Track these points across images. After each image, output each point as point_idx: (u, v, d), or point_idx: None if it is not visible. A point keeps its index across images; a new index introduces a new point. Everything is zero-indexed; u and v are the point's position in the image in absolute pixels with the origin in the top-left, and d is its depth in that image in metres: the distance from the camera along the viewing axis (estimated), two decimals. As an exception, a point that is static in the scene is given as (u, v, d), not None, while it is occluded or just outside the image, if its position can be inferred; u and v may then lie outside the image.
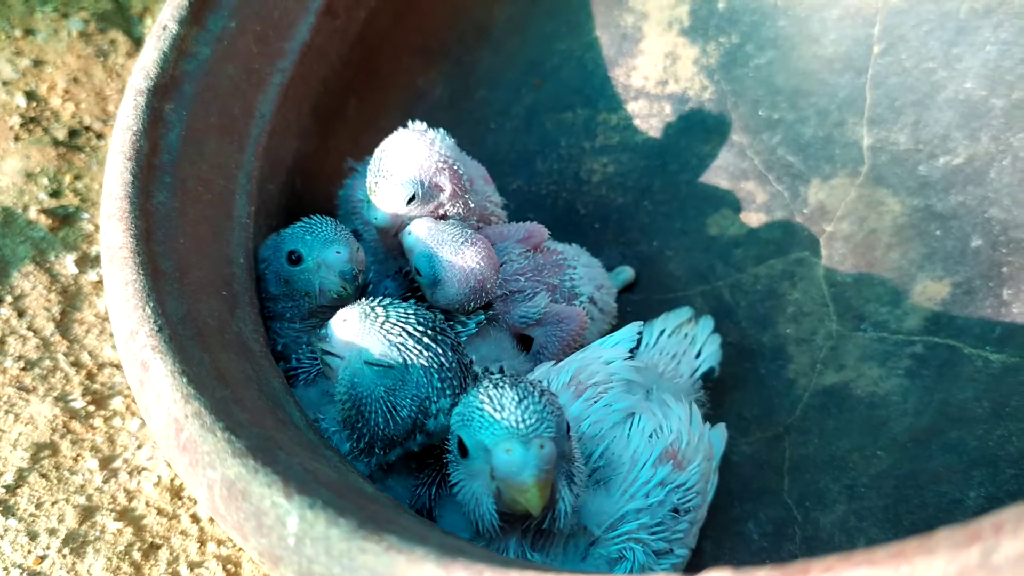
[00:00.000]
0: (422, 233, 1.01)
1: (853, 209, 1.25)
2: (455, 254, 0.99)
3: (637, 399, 0.97)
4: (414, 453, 0.90)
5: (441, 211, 1.06)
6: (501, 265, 1.08)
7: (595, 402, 0.94)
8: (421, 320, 0.86)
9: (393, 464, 0.91)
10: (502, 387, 0.78)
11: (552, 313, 1.08)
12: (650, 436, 0.92)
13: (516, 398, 0.77)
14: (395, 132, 1.06)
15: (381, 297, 0.90)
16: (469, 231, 1.01)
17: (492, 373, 1.00)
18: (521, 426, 0.75)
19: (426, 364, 0.85)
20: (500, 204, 1.19)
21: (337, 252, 0.99)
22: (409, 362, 0.84)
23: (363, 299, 0.90)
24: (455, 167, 1.04)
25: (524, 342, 1.12)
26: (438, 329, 0.87)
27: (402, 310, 0.87)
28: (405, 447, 0.88)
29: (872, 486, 1.03)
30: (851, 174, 1.27)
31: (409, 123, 1.07)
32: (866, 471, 1.04)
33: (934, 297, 1.15)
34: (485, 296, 1.02)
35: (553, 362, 1.02)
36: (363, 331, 0.86)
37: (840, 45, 1.32)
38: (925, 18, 1.27)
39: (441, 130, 1.07)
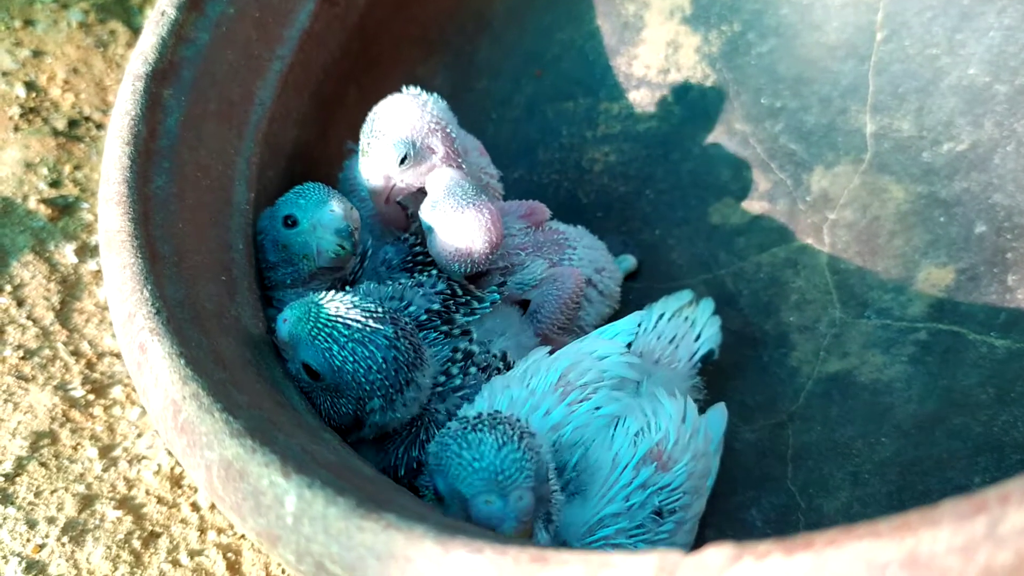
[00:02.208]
0: (441, 180, 1.01)
1: (856, 196, 1.24)
2: (455, 209, 0.98)
3: (626, 402, 0.95)
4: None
5: None
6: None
7: (581, 404, 0.92)
8: (353, 319, 0.85)
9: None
10: (481, 431, 0.76)
11: (548, 276, 1.07)
12: (635, 435, 0.90)
13: (496, 445, 0.75)
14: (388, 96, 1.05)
15: (336, 291, 0.90)
16: (485, 198, 1.00)
17: (491, 352, 1.00)
18: (500, 477, 0.73)
19: (351, 370, 0.84)
20: (497, 177, 1.18)
21: (332, 211, 0.97)
22: (335, 368, 0.84)
23: (317, 293, 0.89)
24: (448, 129, 1.03)
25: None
26: (372, 324, 0.85)
27: (334, 305, 0.86)
28: (362, 434, 0.90)
29: (876, 473, 1.02)
30: (854, 161, 1.26)
31: (403, 88, 1.06)
32: (870, 458, 1.04)
33: (938, 284, 1.14)
34: (473, 265, 1.00)
35: (548, 351, 1.00)
36: (297, 334, 0.86)
37: (843, 32, 1.32)
38: (928, 4, 1.26)
39: (434, 93, 1.06)
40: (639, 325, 1.05)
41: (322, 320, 0.84)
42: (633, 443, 0.89)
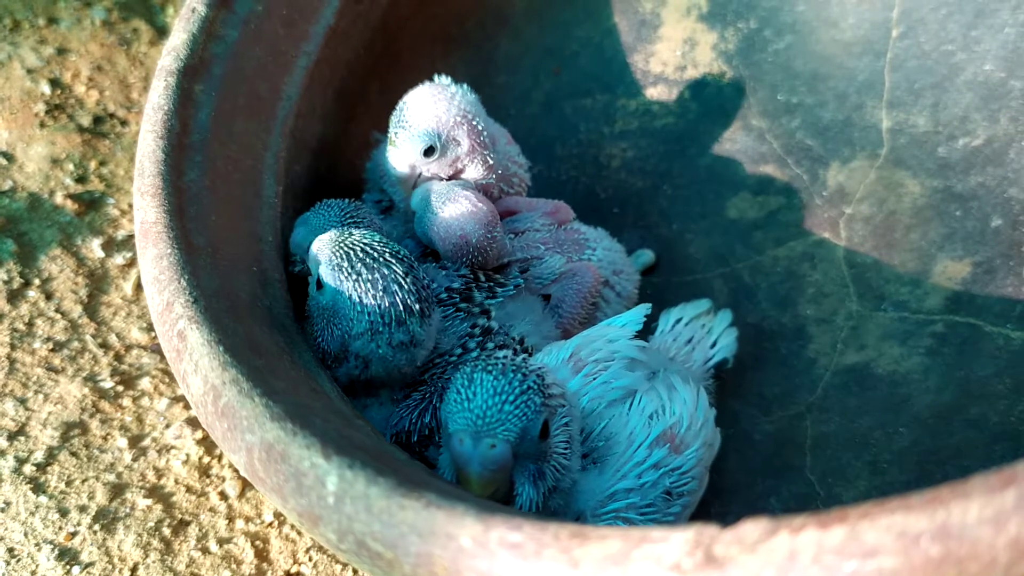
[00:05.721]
0: (418, 198, 1.04)
1: (872, 191, 1.25)
2: (438, 212, 1.01)
3: (638, 377, 0.96)
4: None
5: (459, 166, 1.07)
6: (523, 233, 1.09)
7: (594, 378, 0.93)
8: (369, 249, 0.89)
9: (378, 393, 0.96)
10: (489, 372, 0.77)
11: (567, 272, 1.09)
12: (650, 417, 0.91)
13: (492, 390, 0.76)
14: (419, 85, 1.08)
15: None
16: (458, 189, 1.03)
17: (510, 336, 1.01)
18: (479, 422, 0.75)
19: (349, 289, 0.88)
20: (525, 166, 1.20)
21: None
22: (337, 283, 0.88)
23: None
24: (475, 123, 1.05)
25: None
26: (388, 258, 0.89)
27: (366, 239, 0.90)
28: (347, 368, 0.92)
29: (894, 462, 1.04)
30: (870, 156, 1.27)
31: (435, 76, 1.08)
32: (888, 447, 1.05)
33: (954, 277, 1.15)
34: (476, 251, 1.02)
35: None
36: (323, 246, 0.90)
37: (859, 29, 1.33)
38: (944, 1, 1.28)
39: (464, 85, 1.08)
40: (653, 323, 1.06)
41: (348, 241, 0.89)
42: (648, 423, 0.90)
